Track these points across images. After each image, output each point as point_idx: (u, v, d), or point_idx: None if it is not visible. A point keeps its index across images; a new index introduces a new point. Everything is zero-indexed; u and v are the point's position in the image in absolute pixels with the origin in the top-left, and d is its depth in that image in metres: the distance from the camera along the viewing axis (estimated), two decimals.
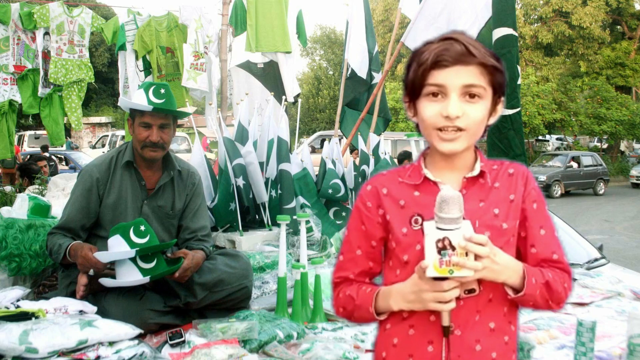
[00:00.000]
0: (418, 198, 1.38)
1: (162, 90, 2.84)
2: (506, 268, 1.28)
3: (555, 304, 1.36)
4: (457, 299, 1.28)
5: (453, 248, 1.21)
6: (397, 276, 1.38)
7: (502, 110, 1.42)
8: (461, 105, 1.30)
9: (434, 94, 1.32)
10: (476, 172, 1.38)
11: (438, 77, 1.31)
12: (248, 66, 6.32)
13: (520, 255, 1.40)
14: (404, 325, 1.38)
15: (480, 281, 1.31)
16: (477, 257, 1.23)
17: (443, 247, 1.22)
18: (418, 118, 1.38)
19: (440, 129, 1.32)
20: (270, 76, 6.25)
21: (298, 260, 3.42)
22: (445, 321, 1.30)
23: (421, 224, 1.33)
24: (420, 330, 1.36)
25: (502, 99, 1.40)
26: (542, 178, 18.51)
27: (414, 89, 1.36)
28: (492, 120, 1.40)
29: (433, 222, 1.25)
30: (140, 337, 2.57)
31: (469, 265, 1.21)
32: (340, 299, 1.46)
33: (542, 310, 1.42)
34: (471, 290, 1.31)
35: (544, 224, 1.40)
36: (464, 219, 1.24)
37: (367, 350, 2.61)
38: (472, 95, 1.31)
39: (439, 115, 1.31)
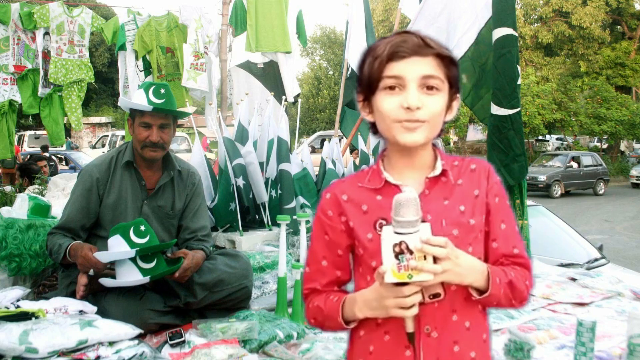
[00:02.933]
0: (381, 202, 1.35)
1: (162, 90, 2.84)
2: (470, 270, 1.25)
3: (518, 302, 1.35)
4: (422, 304, 1.25)
5: (411, 252, 1.18)
6: (368, 282, 1.34)
7: (457, 108, 1.39)
8: (420, 96, 1.28)
9: (392, 87, 1.29)
10: (438, 171, 1.36)
11: (395, 68, 1.28)
12: (248, 66, 6.32)
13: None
14: (379, 332, 1.35)
15: (446, 284, 1.28)
16: (437, 259, 1.19)
17: (400, 251, 1.18)
18: (375, 115, 1.35)
19: (401, 122, 1.29)
20: (270, 76, 6.25)
21: (298, 260, 3.42)
22: (409, 327, 1.26)
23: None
24: (396, 336, 1.32)
25: (458, 95, 1.38)
26: (542, 178, 18.52)
27: (370, 84, 1.32)
28: (449, 117, 1.37)
29: (391, 227, 1.21)
30: (140, 337, 2.57)
31: (427, 268, 1.17)
32: (310, 310, 1.45)
33: (504, 308, 1.41)
34: (436, 295, 1.26)
35: (505, 219, 1.39)
36: (424, 221, 1.21)
37: None
38: (430, 87, 1.29)
39: (399, 107, 1.28)
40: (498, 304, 1.34)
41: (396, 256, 1.18)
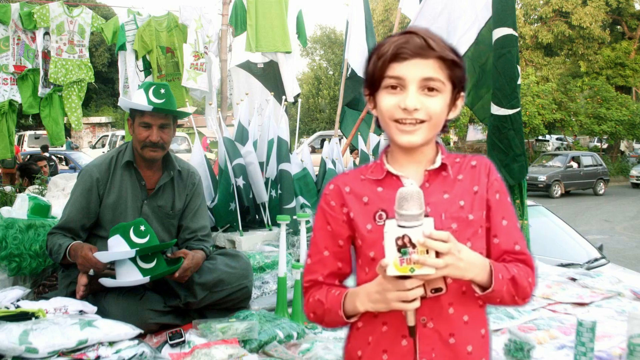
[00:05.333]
0: (381, 193, 1.38)
1: (162, 90, 2.84)
2: (472, 265, 1.25)
3: (521, 299, 1.35)
4: (423, 298, 1.26)
5: (413, 246, 1.19)
6: (367, 274, 1.36)
7: (462, 106, 1.41)
8: (419, 98, 1.31)
9: (393, 87, 1.33)
10: (437, 164, 1.38)
11: (397, 69, 1.31)
12: (248, 66, 6.32)
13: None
14: (377, 322, 1.37)
15: (447, 279, 1.29)
16: (439, 254, 1.20)
17: (403, 244, 1.19)
18: (377, 111, 1.38)
19: (397, 121, 1.32)
20: (270, 76, 6.25)
21: (298, 260, 3.42)
22: (411, 321, 1.27)
23: (385, 220, 1.31)
24: (394, 326, 1.34)
25: (462, 94, 1.40)
26: (542, 178, 18.52)
27: (373, 82, 1.36)
28: (452, 115, 1.40)
29: (394, 220, 1.22)
30: (140, 337, 2.57)
31: (430, 262, 1.18)
32: (310, 304, 1.45)
33: (507, 306, 1.42)
34: (438, 289, 1.27)
35: (506, 215, 1.40)
36: (427, 215, 1.22)
37: None
38: (430, 89, 1.32)
39: (396, 107, 1.32)
40: (501, 301, 1.33)
41: (399, 249, 1.19)
